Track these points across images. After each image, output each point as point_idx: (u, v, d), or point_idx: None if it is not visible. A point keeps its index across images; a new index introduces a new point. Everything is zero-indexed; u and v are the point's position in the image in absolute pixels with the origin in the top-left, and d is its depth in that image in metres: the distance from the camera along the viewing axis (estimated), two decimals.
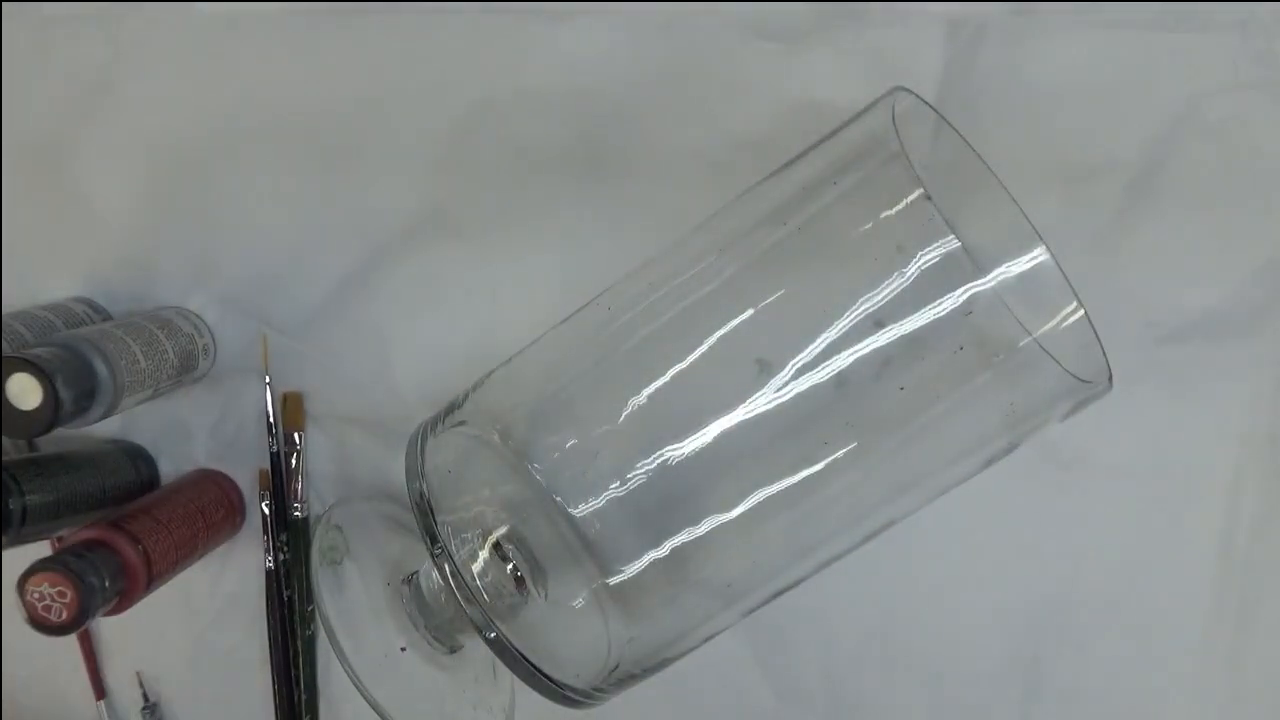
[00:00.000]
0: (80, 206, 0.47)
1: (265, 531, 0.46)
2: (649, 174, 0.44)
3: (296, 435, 0.46)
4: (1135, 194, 0.42)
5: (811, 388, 0.31)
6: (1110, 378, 0.32)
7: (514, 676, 0.34)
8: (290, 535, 0.46)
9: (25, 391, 0.36)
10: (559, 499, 0.34)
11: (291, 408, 0.46)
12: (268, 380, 0.46)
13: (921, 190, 0.30)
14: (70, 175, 0.46)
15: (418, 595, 0.38)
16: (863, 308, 0.31)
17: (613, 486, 0.33)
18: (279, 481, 0.46)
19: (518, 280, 0.45)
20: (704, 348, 0.33)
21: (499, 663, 0.34)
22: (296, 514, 0.46)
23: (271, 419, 0.46)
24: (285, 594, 0.47)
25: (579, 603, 0.35)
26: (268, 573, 0.47)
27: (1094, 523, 0.44)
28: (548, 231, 0.45)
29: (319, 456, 0.47)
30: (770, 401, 0.32)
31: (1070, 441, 0.43)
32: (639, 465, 0.33)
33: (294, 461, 0.46)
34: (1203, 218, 0.42)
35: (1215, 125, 0.41)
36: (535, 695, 0.34)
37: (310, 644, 0.47)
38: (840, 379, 0.31)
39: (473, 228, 0.45)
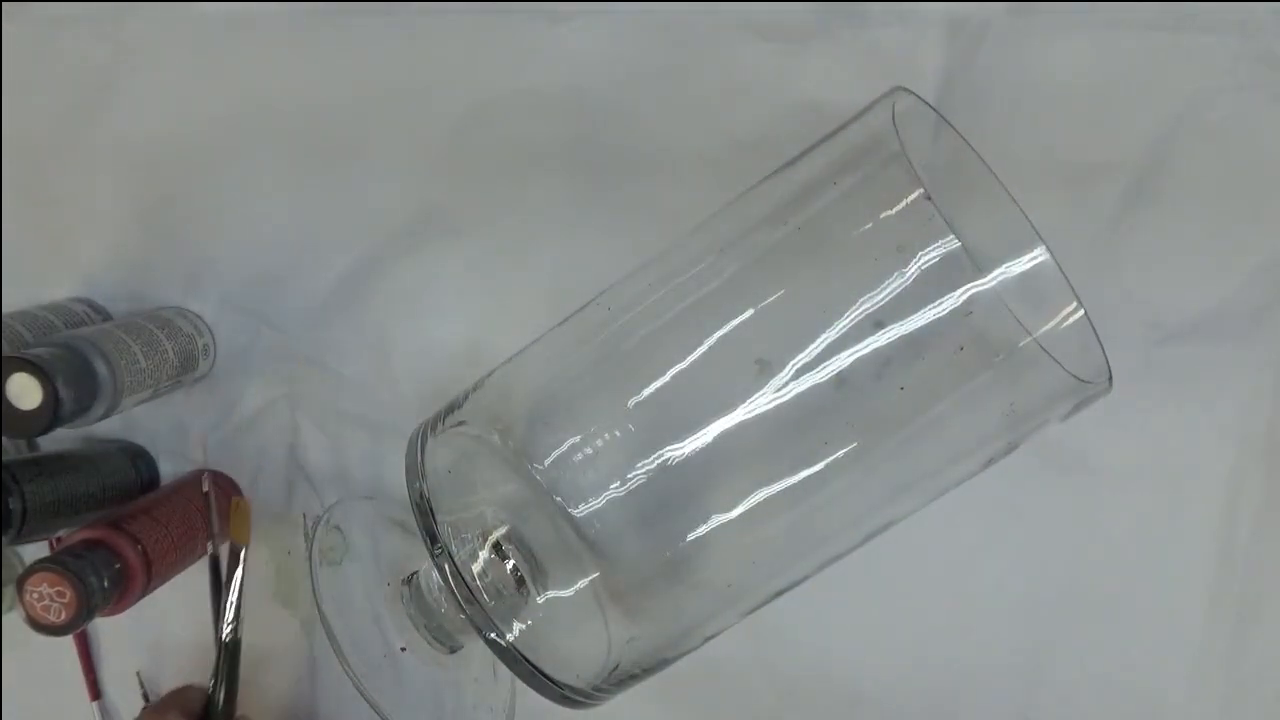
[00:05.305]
0: (80, 206, 0.47)
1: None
2: (649, 174, 0.44)
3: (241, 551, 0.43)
4: (1135, 194, 0.42)
5: (812, 388, 0.31)
6: (1110, 378, 0.32)
7: (514, 676, 0.34)
8: (222, 659, 0.44)
9: (25, 391, 0.36)
10: (559, 499, 0.34)
11: (237, 520, 0.43)
12: (205, 490, 0.44)
13: (921, 190, 0.30)
14: (71, 175, 0.47)
15: (418, 595, 0.38)
16: (863, 308, 0.31)
17: (613, 486, 0.33)
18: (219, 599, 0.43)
19: (518, 280, 0.45)
20: (704, 348, 0.33)
21: (499, 663, 0.34)
22: (225, 639, 0.44)
23: (214, 528, 0.44)
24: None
25: (579, 603, 0.35)
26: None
27: (1094, 522, 0.44)
28: (547, 231, 0.45)
29: (319, 456, 0.47)
30: (770, 401, 0.32)
31: (1070, 441, 0.43)
32: (639, 465, 0.33)
33: (236, 575, 0.43)
34: (1203, 218, 0.41)
35: (1215, 125, 0.41)
36: (535, 695, 0.34)
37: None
38: (840, 379, 0.31)
39: (472, 228, 0.45)
